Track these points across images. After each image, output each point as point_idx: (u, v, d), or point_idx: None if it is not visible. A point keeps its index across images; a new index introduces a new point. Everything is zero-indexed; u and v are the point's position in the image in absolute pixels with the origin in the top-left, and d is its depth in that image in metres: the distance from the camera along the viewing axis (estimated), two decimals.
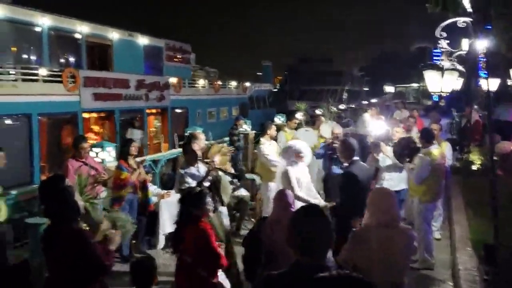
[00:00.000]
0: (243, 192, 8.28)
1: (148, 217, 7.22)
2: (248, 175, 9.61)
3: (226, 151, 8.30)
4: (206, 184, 6.38)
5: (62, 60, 14.91)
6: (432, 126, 7.94)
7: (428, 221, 6.58)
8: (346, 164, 5.61)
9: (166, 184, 9.04)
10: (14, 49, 13.08)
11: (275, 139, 8.53)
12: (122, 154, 7.13)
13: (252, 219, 8.37)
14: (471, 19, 6.07)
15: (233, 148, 10.92)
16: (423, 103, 35.04)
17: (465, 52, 8.40)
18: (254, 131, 12.77)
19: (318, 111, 13.15)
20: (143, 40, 18.02)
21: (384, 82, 54.92)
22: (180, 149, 9.46)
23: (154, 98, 17.46)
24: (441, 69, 7.35)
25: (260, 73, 42.51)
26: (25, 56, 13.57)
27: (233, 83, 27.10)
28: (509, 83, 20.31)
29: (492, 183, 5.24)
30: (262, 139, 8.24)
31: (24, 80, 11.77)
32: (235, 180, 8.14)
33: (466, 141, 13.12)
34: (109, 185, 6.83)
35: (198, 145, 7.31)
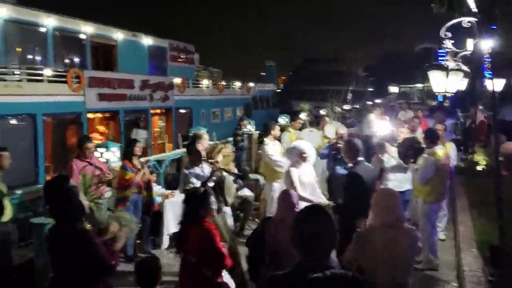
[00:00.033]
0: (247, 192, 8.28)
1: (152, 217, 7.24)
2: (252, 175, 9.62)
3: (229, 151, 8.31)
4: (211, 184, 6.39)
5: (66, 61, 14.96)
6: (436, 126, 7.92)
7: (433, 222, 6.56)
8: (350, 165, 5.60)
9: (171, 184, 9.07)
10: (19, 49, 13.13)
11: (279, 139, 8.53)
12: (127, 155, 7.15)
13: (256, 219, 8.37)
14: (476, 19, 6.05)
15: (235, 148, 10.93)
16: (427, 104, 34.93)
17: (470, 52, 8.37)
18: (258, 132, 12.77)
19: (322, 112, 13.15)
20: (147, 41, 18.06)
21: (389, 82, 54.73)
22: (184, 149, 9.48)
23: (158, 98, 17.49)
24: (445, 69, 7.33)
25: (264, 73, 42.47)
26: (30, 56, 13.61)
27: (237, 84, 27.10)
28: None
29: (497, 183, 5.22)
30: (266, 140, 8.24)
31: (29, 80, 11.80)
32: (238, 180, 8.14)
33: (471, 141, 13.08)
34: (113, 185, 6.86)
35: (202, 145, 7.32)
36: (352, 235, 3.85)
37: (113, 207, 6.68)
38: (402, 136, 7.61)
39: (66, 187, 3.43)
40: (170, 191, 7.76)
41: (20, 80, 11.55)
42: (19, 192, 7.19)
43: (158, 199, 7.47)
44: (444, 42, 7.41)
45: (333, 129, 8.95)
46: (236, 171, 8.02)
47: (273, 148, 7.95)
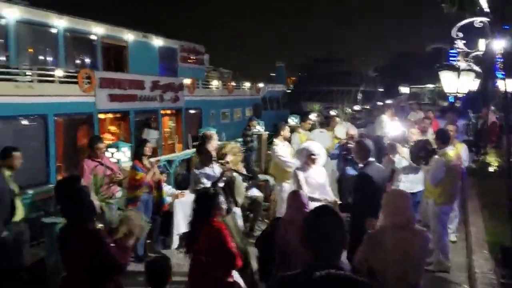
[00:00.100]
0: (256, 193, 8.27)
1: (162, 217, 7.26)
2: (261, 176, 9.61)
3: (238, 150, 8.32)
4: (221, 184, 6.40)
5: (77, 61, 15.08)
6: (448, 127, 7.85)
7: (444, 223, 6.51)
8: (361, 165, 5.58)
9: (181, 184, 9.09)
10: (30, 50, 13.26)
11: (288, 140, 8.51)
12: (137, 155, 7.18)
13: (266, 220, 8.37)
14: (488, 19, 5.99)
15: (245, 149, 10.92)
16: (438, 104, 34.68)
17: (481, 53, 8.29)
18: (267, 132, 12.76)
19: (332, 112, 13.12)
20: (157, 42, 18.14)
21: (399, 83, 54.46)
22: (194, 150, 9.50)
23: (169, 99, 17.56)
24: (457, 69, 7.27)
25: (274, 74, 42.47)
26: (41, 57, 13.74)
27: (247, 84, 27.14)
28: None
29: (509, 185, 5.17)
30: (275, 140, 8.22)
31: (40, 81, 11.91)
32: (247, 180, 8.15)
33: (483, 142, 12.97)
34: (124, 185, 6.89)
35: (212, 146, 7.34)
36: (363, 236, 3.84)
37: (123, 207, 6.72)
38: (413, 137, 7.56)
39: (77, 187, 3.45)
40: (180, 191, 7.78)
41: (31, 81, 11.66)
42: (30, 192, 7.25)
43: (168, 199, 7.50)
44: (455, 42, 7.35)
45: (343, 129, 8.91)
46: (244, 171, 8.02)
47: (282, 149, 7.94)
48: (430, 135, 8.27)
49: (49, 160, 11.66)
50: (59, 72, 12.55)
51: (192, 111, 19.79)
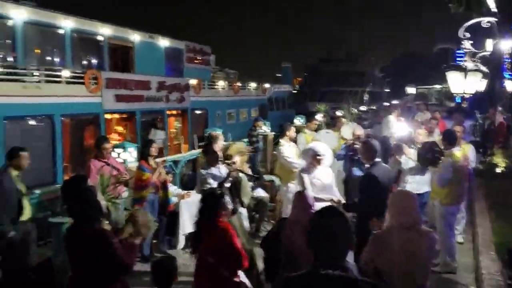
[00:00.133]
0: (262, 193, 8.27)
1: (168, 217, 7.28)
2: (267, 176, 9.60)
3: (245, 150, 8.33)
4: (227, 185, 6.40)
5: (84, 62, 15.15)
6: (455, 128, 7.82)
7: (450, 224, 6.48)
8: (367, 166, 5.57)
9: (186, 184, 9.10)
10: (37, 51, 13.33)
11: (294, 140, 8.50)
12: (143, 155, 7.20)
13: (272, 221, 8.36)
14: (496, 19, 5.97)
15: (253, 148, 10.93)
16: (445, 105, 34.55)
17: (489, 53, 8.25)
18: (273, 133, 12.76)
19: (338, 113, 13.07)
20: (164, 42, 18.18)
21: (406, 83, 54.29)
22: (200, 150, 9.52)
23: (175, 99, 17.60)
24: (464, 70, 7.24)
25: (280, 75, 42.44)
26: (48, 58, 13.81)
27: (253, 85, 27.15)
28: None
29: None
30: (281, 141, 8.22)
31: (47, 81, 11.97)
32: (252, 181, 8.15)
33: (490, 143, 12.89)
34: (130, 186, 6.91)
35: (218, 146, 7.35)
36: (369, 236, 3.83)
37: (130, 207, 6.74)
38: (420, 137, 7.53)
39: (84, 187, 3.47)
40: (186, 192, 7.80)
41: (39, 81, 11.72)
42: (37, 192, 7.29)
43: (174, 199, 7.51)
44: (462, 42, 7.32)
45: (349, 130, 8.89)
46: (250, 171, 8.02)
47: (288, 149, 7.93)
48: (437, 136, 8.24)
49: (56, 160, 11.72)
50: (66, 73, 12.61)
51: (198, 112, 19.82)
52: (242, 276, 4.35)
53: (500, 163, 11.19)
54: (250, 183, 7.72)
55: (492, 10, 6.03)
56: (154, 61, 17.48)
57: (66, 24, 13.37)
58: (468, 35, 6.91)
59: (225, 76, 27.24)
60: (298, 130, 9.75)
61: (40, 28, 12.86)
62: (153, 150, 7.17)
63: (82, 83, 12.93)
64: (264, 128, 12.79)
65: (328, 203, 5.73)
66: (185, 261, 5.97)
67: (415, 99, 39.32)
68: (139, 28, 17.12)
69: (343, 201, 6.09)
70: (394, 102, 33.47)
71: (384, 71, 64.04)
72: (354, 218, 5.49)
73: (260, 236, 7.37)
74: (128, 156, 8.14)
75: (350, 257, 3.14)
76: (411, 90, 51.36)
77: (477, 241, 6.87)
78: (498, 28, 6.05)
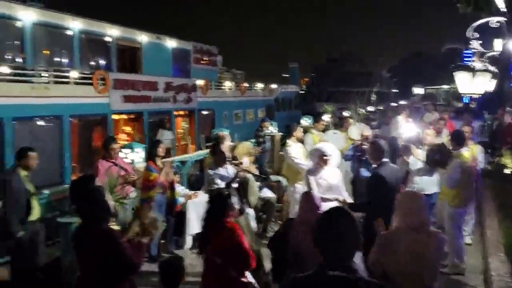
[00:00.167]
0: (269, 194, 8.27)
1: (175, 217, 7.29)
2: (274, 177, 9.60)
3: (253, 151, 8.33)
4: (235, 185, 6.41)
5: (92, 63, 15.21)
6: (463, 128, 7.77)
7: (459, 225, 6.44)
8: (374, 166, 5.56)
9: (193, 185, 9.12)
10: (46, 52, 13.42)
11: (301, 141, 8.49)
12: (150, 155, 7.22)
13: (279, 221, 8.35)
14: (505, 19, 5.92)
15: (261, 148, 10.93)
16: (453, 105, 34.34)
17: (498, 53, 8.20)
18: (280, 133, 12.75)
19: (345, 113, 13.04)
20: (171, 43, 18.23)
21: (413, 83, 54.05)
22: (207, 151, 9.53)
23: (182, 100, 17.64)
24: (472, 70, 7.20)
25: (287, 75, 42.38)
26: (56, 59, 13.89)
27: (259, 85, 27.14)
28: None
29: None
30: (288, 141, 8.21)
31: (56, 82, 12.04)
32: (259, 181, 8.15)
33: (498, 144, 12.79)
34: (138, 186, 6.93)
35: (226, 147, 7.36)
36: (375, 237, 3.82)
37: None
38: (428, 138, 7.49)
39: (92, 187, 3.48)
40: (193, 192, 7.81)
41: (47, 82, 11.79)
42: (46, 192, 7.32)
43: (181, 200, 7.53)
44: (470, 42, 7.28)
45: (357, 130, 8.87)
46: (257, 172, 8.02)
47: (295, 150, 7.93)
48: (445, 136, 8.19)
49: (64, 161, 11.78)
50: (74, 74, 12.68)
51: (205, 112, 19.85)
52: (249, 277, 4.35)
53: (508, 164, 11.09)
54: (257, 183, 7.72)
55: (501, 9, 5.99)
56: (162, 62, 17.54)
57: (74, 25, 13.45)
58: (476, 35, 6.87)
59: (232, 77, 27.26)
60: (305, 130, 9.74)
61: (48, 29, 12.94)
62: (161, 150, 7.19)
63: (90, 84, 12.99)
64: (271, 129, 12.79)
65: (335, 203, 5.75)
66: (192, 261, 5.98)
67: (423, 99, 39.12)
68: (146, 29, 17.19)
69: (350, 201, 6.07)
70: (402, 102, 33.30)
71: (391, 71, 63.79)
72: (361, 219, 5.48)
73: (267, 236, 7.37)
74: (136, 156, 8.17)
75: (358, 258, 3.13)
76: (419, 90, 51.13)
77: (486, 243, 6.83)
78: (507, 27, 6.00)
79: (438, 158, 6.43)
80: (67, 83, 12.41)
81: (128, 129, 15.69)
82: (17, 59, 12.19)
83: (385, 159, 5.45)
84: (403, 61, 69.56)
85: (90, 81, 13.00)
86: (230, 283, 4.10)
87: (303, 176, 6.51)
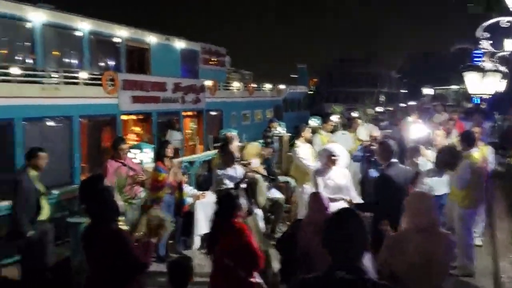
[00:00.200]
0: (277, 195, 8.26)
1: (183, 217, 7.30)
2: (282, 178, 9.58)
3: (266, 153, 8.33)
4: (243, 186, 6.40)
5: (101, 64, 15.32)
6: (473, 129, 7.71)
7: (468, 226, 6.39)
8: (383, 166, 5.54)
9: (201, 185, 9.13)
10: (56, 53, 13.53)
11: (310, 141, 8.47)
12: (159, 156, 7.24)
13: (288, 222, 8.34)
14: None
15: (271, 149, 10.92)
16: (463, 106, 34.12)
17: (508, 53, 8.13)
18: (289, 134, 12.73)
19: (354, 114, 13.00)
20: (179, 44, 18.30)
21: (423, 84, 53.73)
22: (215, 151, 9.54)
23: (190, 100, 17.70)
24: (481, 70, 7.14)
25: (296, 76, 42.35)
26: (66, 60, 14.01)
27: (268, 86, 27.14)
28: None
29: None
30: (297, 142, 8.20)
31: (65, 83, 12.14)
32: (268, 182, 8.14)
33: (509, 144, 12.67)
34: (146, 186, 6.95)
35: (234, 147, 7.36)
36: (383, 237, 3.80)
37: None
38: (438, 139, 7.44)
39: (101, 187, 3.51)
40: (201, 192, 7.82)
41: (57, 83, 11.88)
42: (56, 192, 7.37)
43: (189, 200, 7.53)
44: (480, 42, 7.22)
45: (365, 131, 8.84)
46: (265, 172, 8.01)
47: (304, 150, 7.91)
48: (455, 137, 8.13)
49: (74, 161, 11.87)
50: (83, 75, 12.77)
51: (213, 113, 19.90)
52: (257, 277, 4.34)
53: None
54: (266, 184, 7.71)
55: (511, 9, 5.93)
56: (170, 62, 17.62)
57: (84, 26, 13.56)
58: (486, 34, 6.81)
59: (240, 77, 27.28)
60: (314, 131, 9.72)
61: (58, 31, 13.06)
62: (169, 151, 7.20)
63: (100, 85, 13.08)
64: (279, 129, 12.77)
65: (342, 203, 5.74)
66: (201, 261, 5.98)
67: (432, 100, 38.89)
68: (154, 30, 17.27)
69: (359, 200, 6.06)
70: (411, 103, 33.14)
71: (401, 72, 63.49)
72: (369, 218, 5.46)
73: (275, 237, 7.35)
74: (145, 156, 8.20)
75: (367, 259, 3.11)
76: (428, 91, 50.83)
77: (496, 244, 6.77)
78: None
79: (447, 159, 6.38)
80: (76, 84, 12.51)
81: (137, 129, 15.77)
82: (27, 60, 12.31)
83: (394, 160, 5.42)
84: (412, 61, 69.16)
85: (99, 82, 13.10)
86: (238, 283, 4.10)
87: (310, 176, 6.50)
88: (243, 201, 4.41)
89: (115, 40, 15.14)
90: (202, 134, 18.81)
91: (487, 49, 7.30)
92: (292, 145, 9.69)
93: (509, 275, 5.54)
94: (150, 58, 16.71)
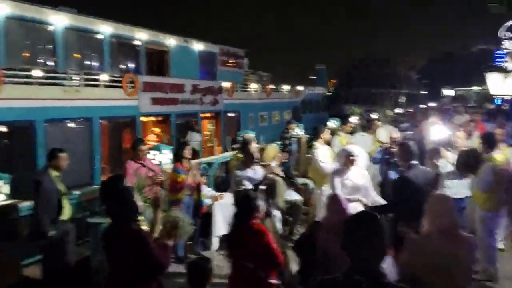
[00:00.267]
0: (295, 197, 8.23)
1: (201, 219, 7.33)
2: (300, 180, 9.55)
3: (281, 157, 8.33)
4: (263, 187, 6.40)
5: (122, 66, 15.50)
6: (496, 131, 7.57)
7: (490, 230, 6.27)
8: (403, 168, 5.48)
9: (219, 186, 9.16)
10: (77, 55, 13.73)
11: (329, 143, 8.43)
12: (177, 157, 7.28)
13: (306, 224, 8.30)
14: None
15: (286, 151, 10.90)
16: (485, 107, 33.56)
17: None
18: (307, 135, 12.69)
19: (373, 115, 12.89)
20: (198, 46, 18.42)
21: (443, 85, 53.02)
22: (233, 152, 9.57)
23: (208, 102, 17.77)
24: (504, 71, 7.02)
25: (314, 77, 42.19)
26: (87, 62, 14.19)
27: (285, 87, 27.10)
28: None
29: None
30: (315, 143, 8.17)
31: (86, 85, 12.30)
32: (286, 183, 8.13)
33: None
34: (165, 186, 7.00)
35: (254, 148, 7.37)
36: (403, 239, 3.77)
37: (166, 208, 6.83)
38: (459, 141, 7.33)
39: (121, 187, 3.53)
40: (219, 193, 7.84)
41: (78, 85, 12.05)
42: (77, 192, 7.47)
43: (207, 201, 7.56)
44: (502, 42, 7.10)
45: (385, 133, 8.76)
46: (282, 174, 8.00)
47: (323, 152, 7.87)
48: (476, 139, 8.00)
49: (94, 162, 12.01)
50: (104, 77, 12.93)
51: (230, 114, 19.94)
52: (276, 278, 4.34)
53: None
54: (285, 186, 7.70)
55: None
56: (189, 64, 17.74)
57: (105, 29, 13.74)
58: (509, 34, 6.70)
59: (258, 79, 27.29)
60: (333, 132, 9.67)
61: (79, 34, 13.26)
62: (187, 152, 7.23)
63: (120, 87, 13.22)
64: (297, 131, 12.74)
65: (358, 204, 5.71)
66: (219, 262, 5.99)
67: (453, 101, 38.32)
68: (173, 32, 17.42)
69: (380, 200, 6.01)
70: (431, 104, 32.72)
71: (420, 73, 62.75)
72: (388, 220, 5.41)
73: (293, 239, 7.33)
74: (164, 157, 8.26)
75: (386, 262, 3.08)
76: (449, 92, 50.13)
77: None
78: None
79: (468, 163, 6.29)
80: (97, 86, 12.66)
81: (156, 130, 15.90)
82: (49, 63, 12.51)
83: (414, 161, 5.36)
84: (432, 62, 68.31)
85: (119, 84, 13.23)
86: (258, 285, 4.10)
87: (328, 177, 6.47)
88: (261, 203, 4.41)
89: (135, 42, 15.31)
90: (220, 135, 18.87)
91: (509, 49, 7.18)
92: (310, 146, 9.65)
93: None
94: (169, 61, 16.86)
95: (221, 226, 7.03)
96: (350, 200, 5.59)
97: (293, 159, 11.96)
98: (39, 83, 10.94)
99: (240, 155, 7.77)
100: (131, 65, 15.76)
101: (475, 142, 7.50)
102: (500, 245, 7.08)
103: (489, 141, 6.50)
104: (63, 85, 11.56)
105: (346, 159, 6.19)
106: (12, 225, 6.32)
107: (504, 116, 12.92)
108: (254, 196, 4.44)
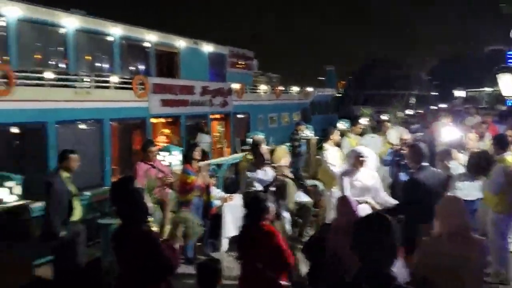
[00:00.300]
0: (305, 198, 8.21)
1: (211, 220, 7.34)
2: (310, 181, 9.53)
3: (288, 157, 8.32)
4: (273, 188, 6.40)
5: (132, 68, 15.59)
6: (507, 132, 7.50)
7: (502, 232, 6.21)
8: (413, 169, 5.45)
9: (229, 187, 9.17)
10: (88, 57, 13.84)
11: (338, 144, 8.41)
12: (187, 158, 7.31)
13: (315, 226, 8.28)
14: None
15: (295, 152, 10.89)
16: (497, 108, 33.21)
17: None
18: (316, 137, 12.66)
19: (383, 117, 12.83)
20: (207, 48, 18.47)
21: (454, 86, 52.56)
22: (242, 154, 9.57)
23: (218, 103, 17.80)
24: None
25: (323, 78, 42.08)
26: (98, 64, 14.30)
27: (295, 88, 27.07)
28: None
29: None
30: (325, 145, 8.15)
31: (97, 87, 12.38)
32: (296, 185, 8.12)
33: None
34: (174, 188, 7.02)
35: (264, 149, 7.38)
36: (414, 241, 3.75)
37: (175, 209, 6.85)
38: (470, 143, 7.27)
39: (132, 188, 3.55)
40: (228, 195, 7.85)
41: (89, 87, 12.13)
42: (87, 193, 7.52)
43: (217, 202, 7.57)
44: None
45: (395, 134, 8.71)
46: (291, 175, 7.99)
47: (333, 154, 7.85)
48: (488, 140, 7.93)
49: (105, 163, 12.08)
50: (114, 79, 13.00)
51: (240, 116, 19.96)
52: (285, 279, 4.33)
53: None
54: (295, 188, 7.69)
55: None
56: (198, 66, 17.79)
57: (115, 31, 13.82)
58: None
59: (267, 80, 27.27)
60: (342, 133, 9.64)
61: (90, 36, 13.36)
62: (197, 153, 7.25)
63: (130, 89, 13.29)
64: (307, 132, 12.72)
65: (367, 206, 5.68)
66: (229, 264, 6.00)
67: (464, 102, 37.99)
68: (183, 34, 17.48)
69: (391, 200, 5.98)
70: (442, 105, 32.46)
71: (431, 74, 62.29)
72: (398, 222, 5.37)
73: (302, 241, 7.31)
74: (173, 159, 8.29)
75: (399, 264, 3.06)
76: (460, 93, 49.69)
77: None
78: None
79: (480, 165, 6.23)
80: (107, 87, 12.74)
81: (166, 132, 15.97)
82: (60, 65, 12.62)
83: (424, 163, 5.33)
84: (443, 63, 67.77)
85: (130, 86, 13.30)
86: (268, 286, 4.09)
87: (337, 178, 6.45)
88: (271, 204, 4.41)
89: (145, 44, 15.39)
90: (230, 137, 18.89)
91: None
92: (320, 148, 9.63)
93: None
94: (179, 62, 16.91)
95: (230, 227, 7.04)
96: (359, 202, 5.57)
97: (302, 161, 11.93)
98: (51, 85, 11.03)
99: (250, 157, 7.78)
100: (141, 67, 15.84)
101: (487, 144, 7.44)
102: None
103: (501, 143, 6.44)
104: (74, 87, 11.64)
105: (356, 160, 6.17)
106: (23, 226, 6.38)
107: None
108: (264, 197, 4.45)
